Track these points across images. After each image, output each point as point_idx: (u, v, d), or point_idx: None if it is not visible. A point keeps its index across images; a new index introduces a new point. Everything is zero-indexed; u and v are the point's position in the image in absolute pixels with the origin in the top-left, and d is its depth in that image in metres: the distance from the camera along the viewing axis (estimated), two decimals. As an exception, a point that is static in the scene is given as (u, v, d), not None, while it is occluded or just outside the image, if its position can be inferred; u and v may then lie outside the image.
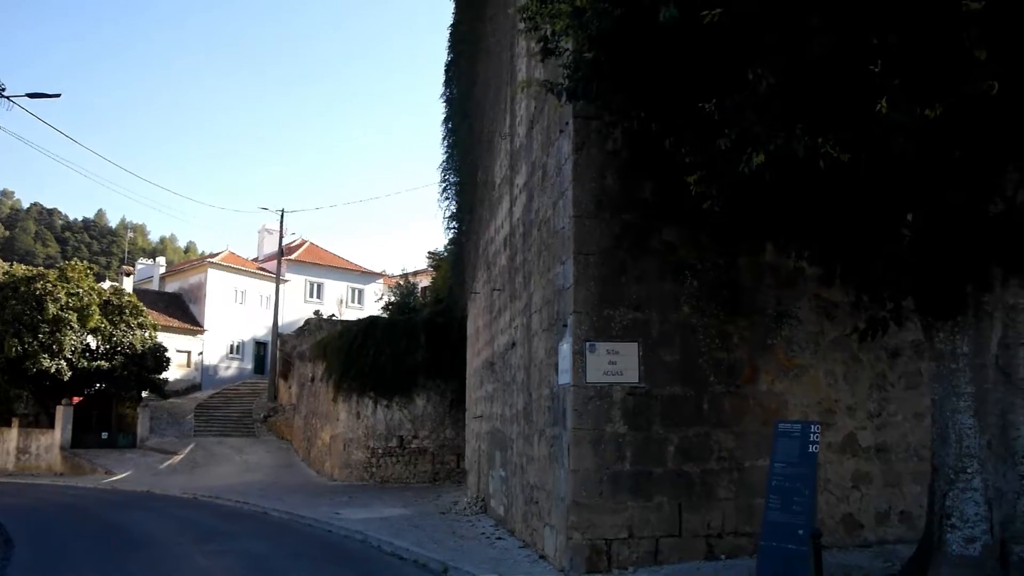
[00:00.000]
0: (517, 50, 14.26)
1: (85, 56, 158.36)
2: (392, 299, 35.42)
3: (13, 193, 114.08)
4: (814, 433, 7.71)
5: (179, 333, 45.11)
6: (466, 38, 20.57)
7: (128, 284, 44.41)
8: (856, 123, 5.64)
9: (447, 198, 23.04)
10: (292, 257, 51.48)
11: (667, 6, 5.60)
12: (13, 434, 33.53)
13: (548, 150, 11.16)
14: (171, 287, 51.00)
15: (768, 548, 7.48)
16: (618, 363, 9.48)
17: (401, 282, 37.70)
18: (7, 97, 17.56)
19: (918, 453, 10.15)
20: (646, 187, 9.74)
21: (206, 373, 46.88)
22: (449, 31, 21.95)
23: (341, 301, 53.43)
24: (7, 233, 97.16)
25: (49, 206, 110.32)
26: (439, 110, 24.14)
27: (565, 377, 9.67)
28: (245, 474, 28.29)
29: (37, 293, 31.84)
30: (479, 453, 18.08)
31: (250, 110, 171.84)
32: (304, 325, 37.27)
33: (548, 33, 8.53)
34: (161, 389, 37.18)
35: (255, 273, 51.25)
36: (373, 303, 46.90)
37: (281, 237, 43.30)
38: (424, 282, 41.15)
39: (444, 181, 22.97)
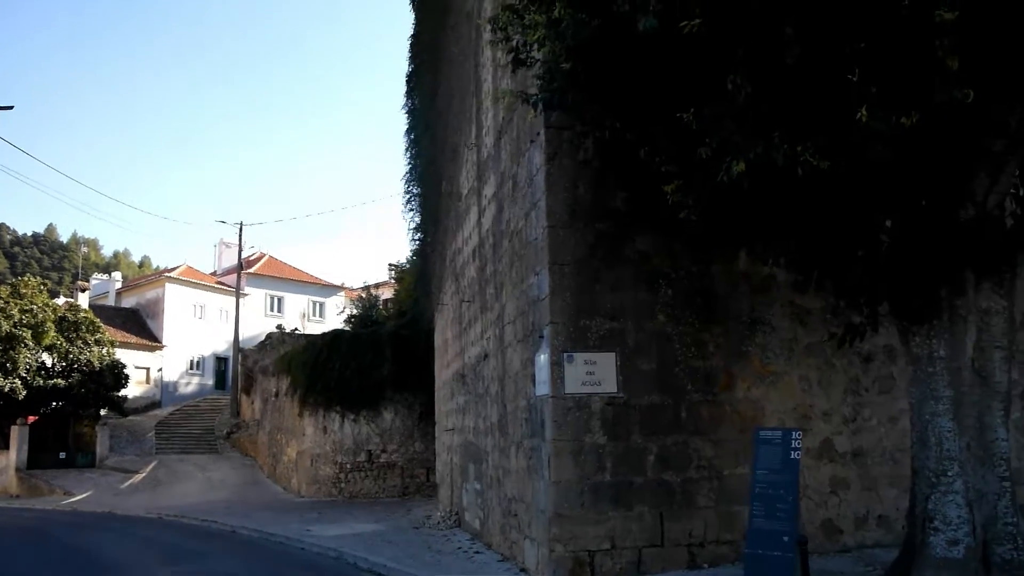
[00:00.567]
0: (482, 59, 14.21)
1: (33, 63, 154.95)
2: (354, 312, 35.12)
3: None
4: (795, 439, 7.71)
5: (137, 349, 44.27)
6: (427, 48, 20.45)
7: (84, 300, 43.44)
8: (834, 131, 5.67)
9: (411, 209, 22.88)
10: (252, 271, 50.86)
11: (646, 16, 5.59)
12: (-34, 456, 32.61)
13: (518, 160, 11.11)
14: (128, 302, 50.05)
15: (754, 556, 7.46)
16: (596, 373, 9.44)
17: (363, 295, 37.42)
18: (-43, 111, 17.08)
19: (893, 457, 10.26)
20: (618, 196, 9.73)
21: (166, 390, 46.04)
22: (410, 41, 21.80)
23: (304, 315, 52.88)
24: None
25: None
26: (400, 121, 24.04)
27: (543, 388, 9.60)
28: (210, 492, 27.79)
29: (-11, 310, 31.06)
30: (451, 466, 17.93)
31: (205, 122, 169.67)
32: (266, 339, 36.82)
33: (519, 44, 8.49)
34: (120, 407, 36.42)
35: (214, 287, 50.51)
36: (335, 316, 46.48)
37: (240, 250, 42.76)
38: (386, 294, 40.85)
39: (408, 192, 22.82)
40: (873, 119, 5.25)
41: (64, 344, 33.32)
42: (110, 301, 49.75)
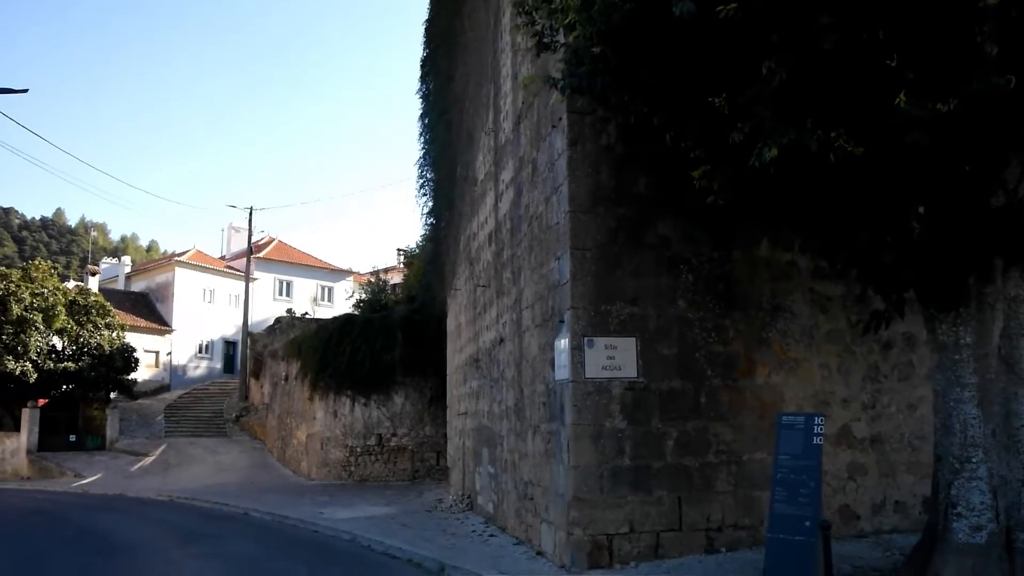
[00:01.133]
0: (501, 45, 14.18)
1: (46, 47, 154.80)
2: (363, 297, 35.16)
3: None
4: (818, 425, 7.76)
5: (147, 333, 44.40)
6: (442, 33, 20.40)
7: (94, 284, 43.56)
8: (870, 116, 5.66)
9: (425, 195, 22.85)
10: (261, 255, 50.91)
11: (682, 0, 5.57)
12: (-23, 439, 32.80)
13: (538, 145, 11.10)
14: (137, 286, 50.17)
15: (776, 540, 7.52)
16: (616, 358, 9.47)
17: (372, 279, 37.46)
18: (-28, 94, 17.05)
19: (911, 444, 10.30)
20: (640, 182, 9.73)
21: (175, 373, 46.20)
22: (424, 26, 21.74)
23: (314, 299, 52.99)
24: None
25: (5, 205, 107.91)
26: (409, 106, 24.06)
27: (563, 373, 9.63)
28: (220, 474, 27.91)
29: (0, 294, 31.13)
30: (463, 450, 18.01)
31: (218, 107, 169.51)
32: (275, 323, 36.90)
33: (545, 28, 8.49)
34: (130, 390, 36.58)
35: (223, 272, 50.59)
36: (344, 301, 46.51)
37: (250, 235, 42.73)
38: (395, 279, 40.91)
39: (422, 177, 22.78)
40: (911, 104, 5.24)
41: (75, 328, 33.43)
42: (119, 285, 49.86)
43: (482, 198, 15.96)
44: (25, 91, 17.55)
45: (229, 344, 49.23)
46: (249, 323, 40.40)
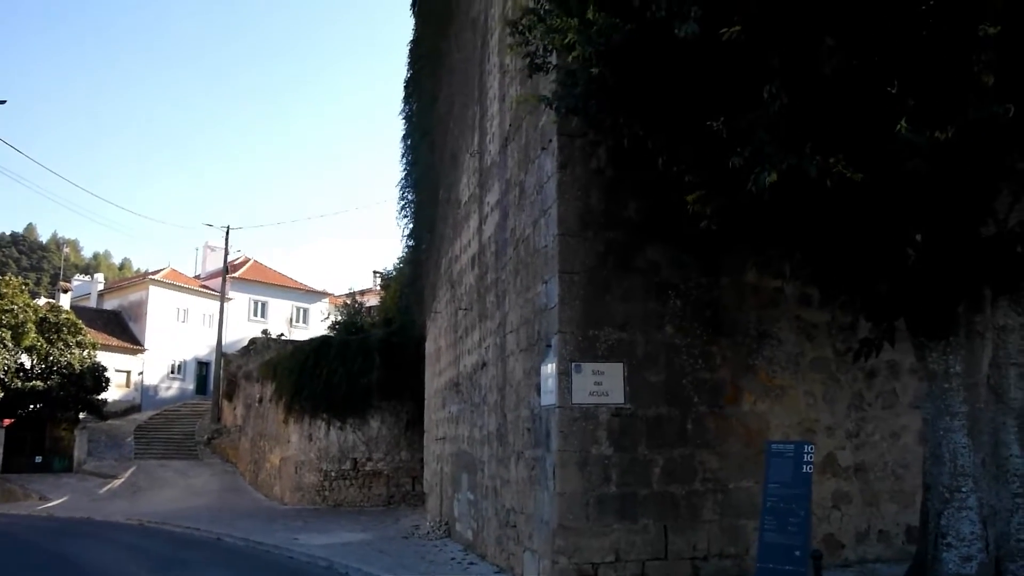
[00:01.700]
0: (488, 66, 14.18)
1: (19, 65, 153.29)
2: (339, 319, 34.86)
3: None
4: (807, 453, 7.67)
5: (118, 352, 43.69)
6: (427, 55, 20.41)
7: (65, 301, 42.85)
8: (869, 142, 5.66)
9: (405, 216, 22.75)
10: (236, 275, 50.42)
11: (686, 22, 5.55)
12: (-61, 458, 31.96)
13: (526, 168, 11.06)
14: (110, 304, 49.48)
15: (765, 570, 7.40)
16: (603, 384, 9.37)
17: (348, 301, 37.17)
18: (-52, 105, 16.78)
19: (895, 472, 10.27)
20: (630, 206, 9.70)
21: (146, 393, 45.46)
22: (409, 47, 21.77)
23: (289, 320, 52.50)
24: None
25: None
26: (389, 127, 23.94)
27: (549, 398, 9.52)
28: (191, 498, 27.37)
29: (-33, 310, 30.56)
30: (441, 476, 17.78)
31: (194, 126, 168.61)
32: (250, 344, 36.45)
33: (538, 49, 8.46)
34: (99, 410, 35.90)
35: (198, 291, 50.04)
36: (319, 322, 46.10)
37: (226, 254, 42.33)
38: (371, 301, 40.64)
39: (403, 199, 22.69)
40: (912, 131, 5.24)
41: (44, 346, 32.83)
42: (92, 303, 49.14)
43: (465, 220, 15.89)
44: (3, 102, 17.31)
45: (202, 365, 48.58)
46: (223, 343, 39.88)
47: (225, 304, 41.90)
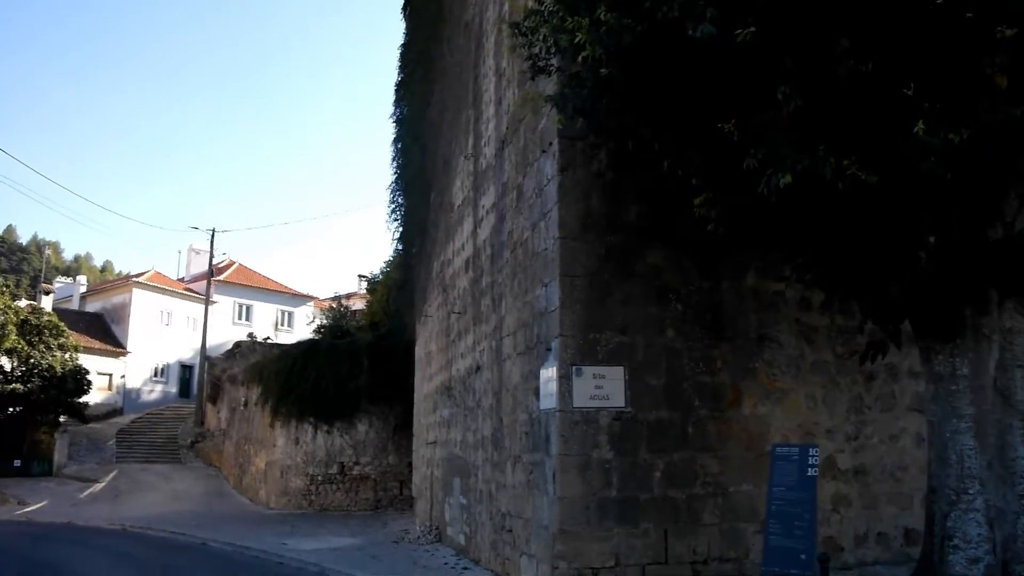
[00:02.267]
0: (483, 70, 14.12)
1: (9, 70, 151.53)
2: (325, 322, 34.62)
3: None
4: (812, 456, 7.68)
5: (100, 355, 43.14)
6: (419, 58, 20.34)
7: (47, 303, 42.32)
8: (885, 145, 5.64)
9: (396, 220, 22.62)
10: (221, 278, 50.03)
11: (701, 23, 5.52)
12: (-86, 463, 31.39)
13: (525, 171, 11.00)
14: (92, 307, 48.88)
15: (771, 574, 7.38)
16: (604, 387, 9.32)
17: (334, 305, 36.93)
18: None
19: (893, 475, 10.30)
20: (631, 209, 9.66)
21: (128, 397, 44.94)
22: (400, 51, 21.68)
23: (274, 324, 52.14)
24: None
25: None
26: (376, 131, 23.83)
27: (549, 402, 9.45)
28: (174, 503, 27.02)
29: (-53, 312, 30.11)
30: (431, 480, 17.66)
31: (180, 129, 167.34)
32: (235, 347, 36.18)
33: (541, 51, 8.41)
34: (81, 413, 35.46)
35: (182, 294, 49.59)
36: (304, 326, 45.81)
37: (211, 257, 42.01)
38: (357, 305, 40.41)
39: (393, 203, 22.56)
40: (928, 134, 5.23)
41: (25, 348, 32.38)
42: (74, 305, 48.55)
43: (459, 224, 15.80)
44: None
45: (186, 368, 48.13)
46: (208, 347, 39.54)
47: (209, 307, 41.56)
